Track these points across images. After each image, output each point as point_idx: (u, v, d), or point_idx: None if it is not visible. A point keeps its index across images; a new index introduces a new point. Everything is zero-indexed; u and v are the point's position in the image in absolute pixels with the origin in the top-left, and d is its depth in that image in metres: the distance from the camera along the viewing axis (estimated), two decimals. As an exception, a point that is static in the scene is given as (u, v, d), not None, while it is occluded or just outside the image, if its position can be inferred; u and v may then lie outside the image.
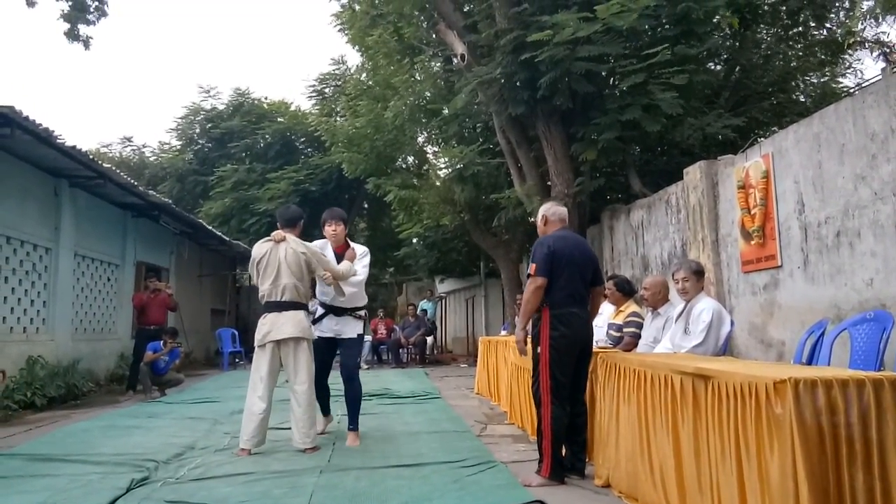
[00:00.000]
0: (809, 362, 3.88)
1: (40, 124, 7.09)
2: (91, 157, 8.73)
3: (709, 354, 3.95)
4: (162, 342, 8.47)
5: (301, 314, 4.74)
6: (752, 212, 5.87)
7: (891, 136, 4.41)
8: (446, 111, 11.00)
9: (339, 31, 12.72)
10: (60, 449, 4.88)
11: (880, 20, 6.59)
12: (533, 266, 3.88)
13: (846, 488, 2.09)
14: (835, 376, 2.19)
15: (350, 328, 5.05)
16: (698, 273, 4.41)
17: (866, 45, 9.03)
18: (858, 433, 2.13)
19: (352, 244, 5.21)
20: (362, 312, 5.17)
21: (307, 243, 4.90)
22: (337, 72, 18.90)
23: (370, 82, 12.91)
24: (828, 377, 2.18)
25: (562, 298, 3.85)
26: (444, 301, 19.76)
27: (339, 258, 5.03)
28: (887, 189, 4.44)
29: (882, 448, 2.12)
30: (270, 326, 4.69)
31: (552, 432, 3.75)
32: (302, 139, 19.56)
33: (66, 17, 10.18)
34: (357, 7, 11.70)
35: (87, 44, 10.39)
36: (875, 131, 4.56)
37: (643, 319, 5.24)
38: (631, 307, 5.49)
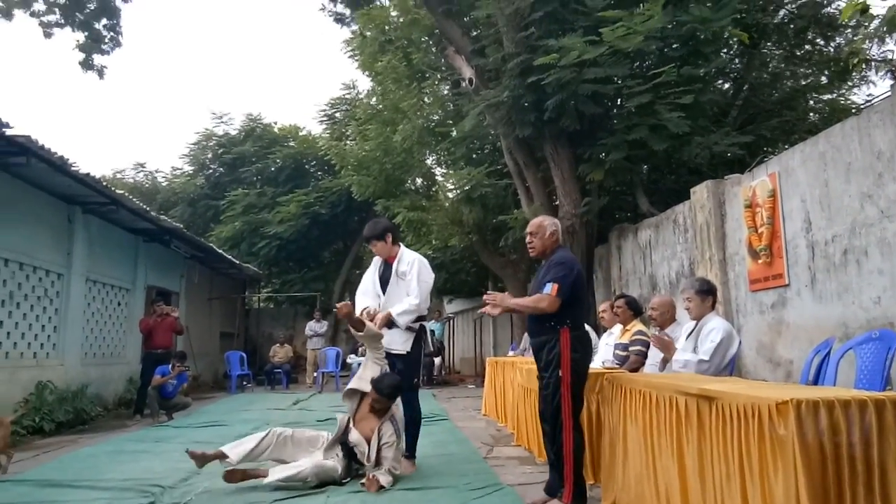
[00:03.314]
0: (815, 382, 3.83)
1: (55, 153, 7.20)
2: (104, 183, 8.85)
3: (709, 373, 3.91)
4: (170, 366, 8.50)
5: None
6: (760, 230, 5.85)
7: (896, 154, 4.40)
8: (454, 133, 11.10)
9: (349, 57, 12.95)
10: (68, 475, 4.89)
11: (886, 40, 6.60)
12: (556, 287, 3.67)
13: (849, 509, 2.07)
14: (836, 397, 2.17)
15: (398, 342, 4.75)
16: (702, 292, 4.35)
17: (873, 63, 9.03)
18: (860, 453, 2.10)
19: (402, 253, 4.94)
20: (415, 325, 4.81)
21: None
22: (347, 96, 19.16)
23: (380, 106, 13.07)
24: (829, 398, 2.16)
25: (578, 319, 3.80)
26: (451, 321, 19.72)
27: (390, 268, 4.89)
28: (894, 207, 4.43)
29: (883, 468, 2.09)
30: None
31: (575, 457, 3.63)
32: (312, 163, 19.77)
33: (81, 48, 10.42)
34: (367, 34, 11.89)
35: (101, 73, 10.63)
36: (881, 150, 4.56)
37: (649, 338, 5.20)
38: (637, 326, 5.46)
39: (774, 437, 2.20)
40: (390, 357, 4.73)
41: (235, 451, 4.24)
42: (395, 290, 4.82)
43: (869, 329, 4.20)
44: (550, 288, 3.69)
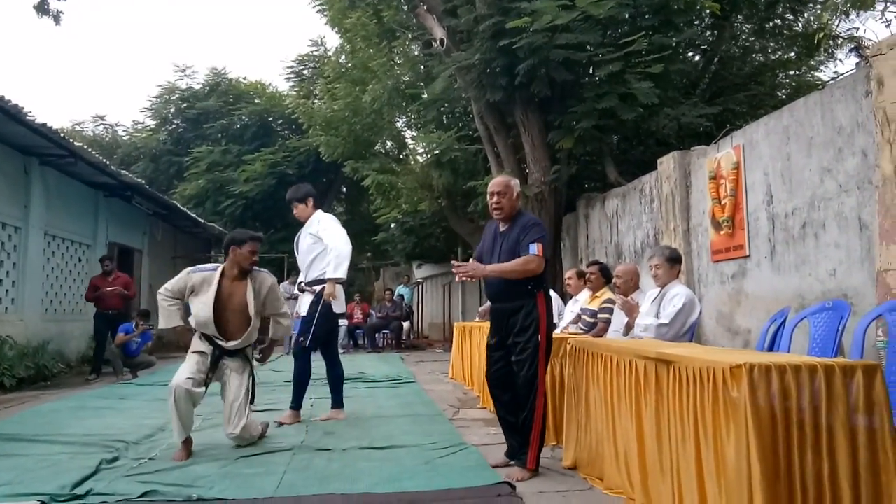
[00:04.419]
0: (771, 349, 3.98)
1: (9, 100, 6.97)
2: (62, 135, 8.58)
3: (668, 338, 4.02)
4: (134, 324, 8.40)
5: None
6: (723, 202, 5.98)
7: (857, 130, 4.51)
8: (425, 96, 10.97)
9: (318, 11, 12.59)
10: (28, 429, 4.84)
11: (849, 16, 6.70)
12: (540, 247, 3.61)
13: (796, 469, 2.17)
14: (788, 362, 2.26)
15: (303, 305, 5.09)
16: (671, 260, 4.46)
17: (839, 40, 9.16)
18: (809, 417, 2.20)
19: (314, 215, 5.22)
20: (316, 287, 5.03)
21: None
22: (316, 53, 18.74)
23: (349, 65, 12.80)
24: (781, 363, 2.25)
25: (547, 283, 3.84)
26: (420, 286, 19.81)
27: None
28: (852, 182, 4.55)
29: (831, 432, 2.20)
30: None
31: (543, 422, 3.67)
32: (279, 121, 19.42)
33: (35, -10, 9.92)
34: (337, -13, 11.59)
35: (57, 18, 10.14)
36: (842, 125, 4.66)
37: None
38: (606, 293, 5.57)
39: (728, 400, 2.29)
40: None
41: (181, 430, 4.07)
42: (302, 248, 5.17)
43: (824, 300, 4.36)
44: (536, 248, 3.60)
